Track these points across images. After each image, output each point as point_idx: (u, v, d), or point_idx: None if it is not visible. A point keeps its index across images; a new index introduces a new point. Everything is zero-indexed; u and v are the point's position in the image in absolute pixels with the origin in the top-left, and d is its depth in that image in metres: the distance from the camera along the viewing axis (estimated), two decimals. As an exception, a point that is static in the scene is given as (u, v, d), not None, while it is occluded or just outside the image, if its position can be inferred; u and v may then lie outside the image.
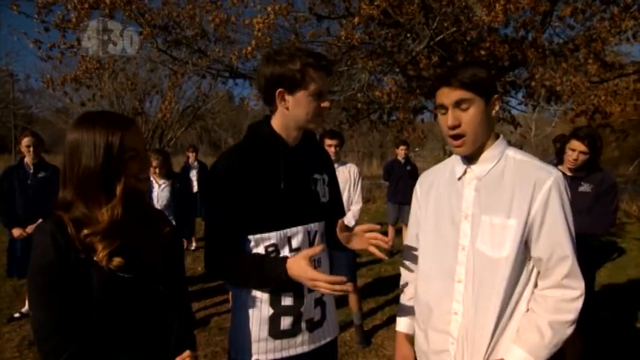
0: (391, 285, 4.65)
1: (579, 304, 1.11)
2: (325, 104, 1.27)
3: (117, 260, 0.99)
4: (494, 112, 1.17)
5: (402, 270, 1.44)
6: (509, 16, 4.49)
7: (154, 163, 3.69)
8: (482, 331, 1.13)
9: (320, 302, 1.35)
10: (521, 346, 1.10)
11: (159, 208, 3.62)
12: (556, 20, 4.95)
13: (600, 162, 2.64)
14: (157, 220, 1.17)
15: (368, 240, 1.27)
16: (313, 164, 1.39)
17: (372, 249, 1.26)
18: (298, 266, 1.16)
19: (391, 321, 3.73)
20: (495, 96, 1.15)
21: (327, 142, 3.20)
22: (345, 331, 3.41)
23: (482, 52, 4.42)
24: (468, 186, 1.19)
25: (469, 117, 1.12)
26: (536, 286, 1.15)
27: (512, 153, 1.19)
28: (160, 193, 3.69)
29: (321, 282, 1.11)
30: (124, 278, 1.02)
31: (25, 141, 3.57)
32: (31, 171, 3.58)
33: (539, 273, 1.14)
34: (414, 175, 6.23)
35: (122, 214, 1.03)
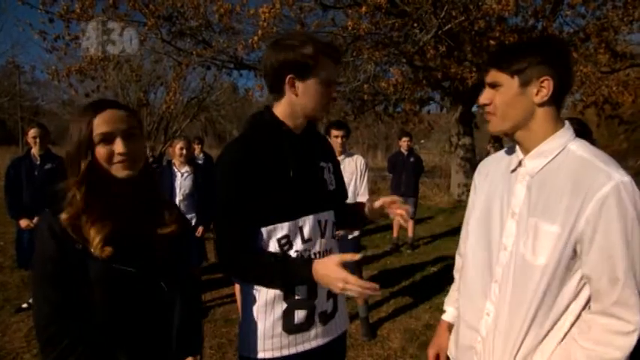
0: (397, 277, 4.64)
1: (630, 341, 0.93)
2: (334, 94, 1.27)
3: (108, 250, 0.98)
4: (538, 96, 1.02)
5: (456, 257, 1.39)
6: (520, 5, 4.40)
7: (182, 145, 3.69)
8: (509, 338, 1.05)
9: (332, 294, 1.33)
10: None
11: (181, 196, 3.62)
12: (567, 8, 4.85)
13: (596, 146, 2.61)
14: (164, 212, 1.14)
15: (393, 211, 1.35)
16: (319, 152, 1.38)
17: (398, 217, 1.34)
18: (326, 267, 1.13)
19: (397, 313, 3.72)
20: (542, 78, 1.01)
21: (334, 132, 3.17)
22: (351, 323, 3.42)
23: (491, 42, 4.34)
24: (520, 182, 1.08)
25: (498, 97, 1.06)
26: (587, 306, 1.01)
27: (576, 147, 1.02)
28: (182, 181, 3.68)
29: (353, 284, 1.09)
30: (121, 270, 1.01)
31: (32, 132, 3.57)
32: (38, 162, 3.58)
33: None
34: (418, 168, 6.18)
35: (124, 205, 1.03)
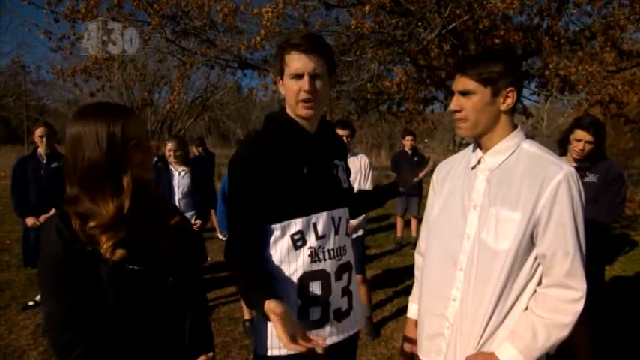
0: (400, 277, 4.64)
1: (579, 306, 1.08)
2: (305, 87, 1.20)
3: (120, 252, 0.97)
4: (504, 104, 1.16)
5: (416, 256, 1.47)
6: (525, 3, 4.38)
7: (170, 146, 3.68)
8: (475, 320, 1.14)
9: (347, 291, 1.35)
10: (513, 344, 1.10)
11: (180, 195, 3.63)
12: (572, 7, 4.81)
13: (605, 150, 2.57)
14: (165, 210, 1.16)
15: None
16: (333, 151, 1.40)
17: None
18: (277, 304, 1.02)
19: (400, 312, 3.72)
20: (509, 89, 1.14)
21: (339, 132, 3.16)
22: (355, 321, 3.42)
23: (496, 41, 4.32)
24: (480, 176, 1.20)
25: (470, 104, 1.16)
26: (540, 283, 1.14)
27: (528, 146, 1.18)
28: (180, 180, 3.69)
29: (286, 344, 0.95)
30: (132, 270, 1.00)
31: (39, 132, 3.60)
32: (44, 161, 3.61)
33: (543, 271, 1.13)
34: (421, 167, 6.17)
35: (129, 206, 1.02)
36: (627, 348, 3.16)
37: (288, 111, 1.30)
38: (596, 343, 2.60)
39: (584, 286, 1.09)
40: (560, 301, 1.09)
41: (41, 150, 3.62)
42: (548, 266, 1.10)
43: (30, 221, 3.57)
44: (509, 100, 1.16)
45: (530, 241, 1.11)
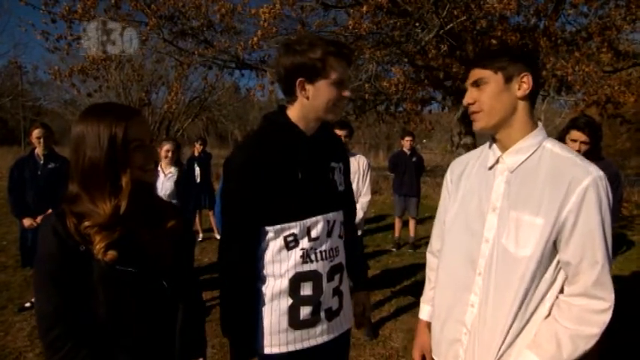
0: (398, 277, 4.64)
1: (606, 317, 1.02)
2: (346, 93, 1.26)
3: (111, 253, 0.97)
4: (520, 90, 1.09)
5: (429, 256, 1.41)
6: (522, 4, 4.40)
7: (167, 147, 3.69)
8: (495, 328, 1.08)
9: (337, 291, 1.35)
10: (536, 354, 1.04)
11: (161, 196, 3.64)
12: (569, 7, 4.84)
13: (602, 151, 2.57)
14: (164, 213, 1.14)
15: None
16: (330, 152, 1.38)
17: None
18: None
19: (399, 313, 3.72)
20: (523, 74, 1.08)
21: (337, 132, 3.16)
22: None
23: (493, 42, 4.34)
24: (499, 177, 1.13)
25: (484, 93, 1.10)
26: (562, 291, 1.07)
27: (551, 145, 1.10)
28: (164, 182, 3.69)
29: None
30: (124, 272, 1.00)
31: (36, 132, 3.59)
32: (42, 162, 3.60)
33: (566, 278, 1.06)
34: (420, 167, 6.17)
35: (126, 207, 1.02)
36: (627, 348, 3.17)
37: (290, 113, 1.28)
38: (595, 344, 2.60)
39: (613, 296, 1.02)
40: (586, 312, 1.02)
41: (38, 151, 3.61)
42: (574, 274, 1.03)
43: (27, 222, 3.55)
44: (525, 86, 1.08)
45: (553, 248, 1.04)
